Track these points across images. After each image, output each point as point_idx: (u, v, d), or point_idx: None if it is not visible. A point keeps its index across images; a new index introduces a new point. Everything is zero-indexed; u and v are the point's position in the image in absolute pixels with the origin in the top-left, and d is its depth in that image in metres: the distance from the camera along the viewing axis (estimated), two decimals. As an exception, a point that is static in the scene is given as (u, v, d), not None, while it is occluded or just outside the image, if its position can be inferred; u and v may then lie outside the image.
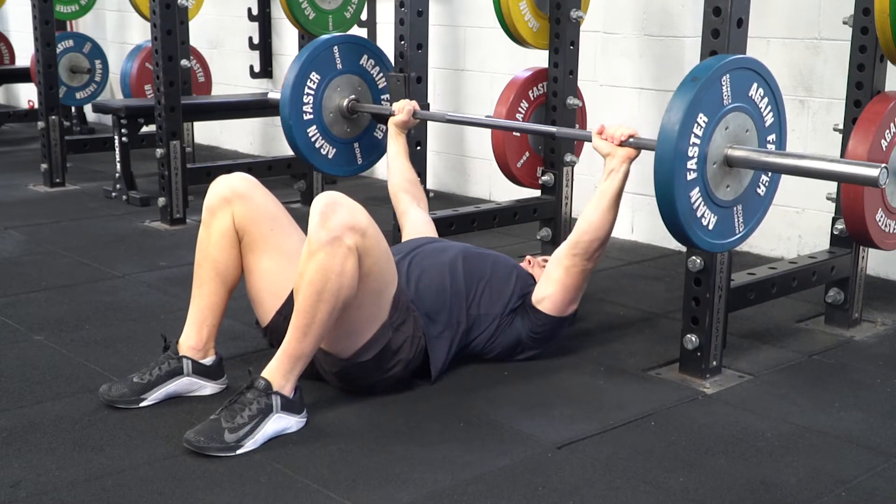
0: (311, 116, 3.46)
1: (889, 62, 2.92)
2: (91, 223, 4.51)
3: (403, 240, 3.06)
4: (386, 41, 5.20)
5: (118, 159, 4.94)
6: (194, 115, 5.33)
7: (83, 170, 5.68)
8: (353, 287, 2.30)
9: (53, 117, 5.22)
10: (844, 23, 3.04)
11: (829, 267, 3.10)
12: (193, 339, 2.52)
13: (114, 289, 3.48)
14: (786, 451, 2.29)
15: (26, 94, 7.99)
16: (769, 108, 2.47)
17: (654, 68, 4.23)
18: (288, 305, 2.50)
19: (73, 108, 6.77)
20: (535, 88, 3.80)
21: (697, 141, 2.31)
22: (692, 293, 2.69)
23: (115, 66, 6.51)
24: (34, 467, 2.14)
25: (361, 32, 5.35)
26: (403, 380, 2.56)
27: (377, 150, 3.67)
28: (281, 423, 2.29)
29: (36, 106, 5.53)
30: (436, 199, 4.25)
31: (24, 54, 7.00)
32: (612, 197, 2.64)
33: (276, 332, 2.57)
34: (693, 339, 2.69)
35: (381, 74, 3.61)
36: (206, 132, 6.66)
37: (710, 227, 2.41)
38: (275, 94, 3.54)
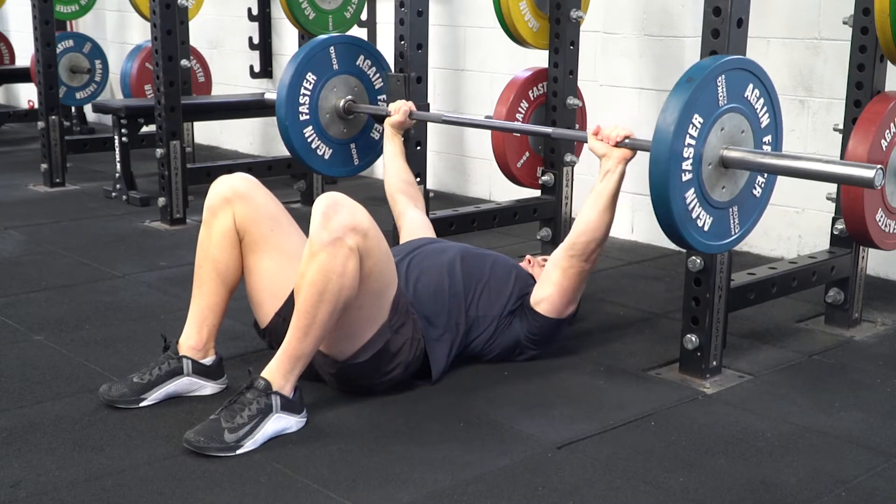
0: (308, 117, 3.45)
1: (889, 62, 2.92)
2: (91, 223, 4.51)
3: (401, 241, 3.06)
4: (386, 41, 5.21)
5: (118, 159, 4.94)
6: (194, 115, 5.33)
7: (83, 170, 5.68)
8: (354, 288, 2.30)
9: (53, 117, 5.22)
10: (844, 23, 3.04)
11: (829, 267, 3.10)
12: (193, 338, 2.52)
13: (114, 289, 3.48)
14: (786, 451, 2.29)
15: (26, 94, 7.99)
16: (765, 109, 2.46)
17: (654, 68, 4.23)
18: (287, 307, 2.50)
19: (73, 108, 6.77)
20: (535, 88, 3.81)
21: (693, 142, 2.30)
22: (692, 293, 2.69)
23: (115, 66, 6.51)
24: (34, 467, 2.14)
25: (361, 32, 5.35)
26: (403, 382, 2.56)
27: (374, 150, 3.67)
28: (281, 423, 2.29)
29: (36, 106, 5.53)
30: (436, 199, 4.26)
31: (24, 54, 7.00)
32: (608, 198, 2.64)
33: (275, 333, 2.57)
34: (693, 339, 2.69)
35: (377, 75, 3.61)
36: (206, 132, 6.66)
37: (706, 228, 2.41)
38: (271, 95, 3.54)
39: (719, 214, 2.44)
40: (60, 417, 2.39)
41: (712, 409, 2.52)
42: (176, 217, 4.47)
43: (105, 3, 7.27)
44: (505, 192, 4.50)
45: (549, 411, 2.49)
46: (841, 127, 3.08)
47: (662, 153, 2.27)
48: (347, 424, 2.38)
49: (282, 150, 4.61)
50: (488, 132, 4.02)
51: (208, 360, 2.53)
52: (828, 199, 3.16)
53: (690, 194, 2.34)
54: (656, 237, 4.28)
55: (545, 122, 3.81)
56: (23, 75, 6.86)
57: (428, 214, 3.35)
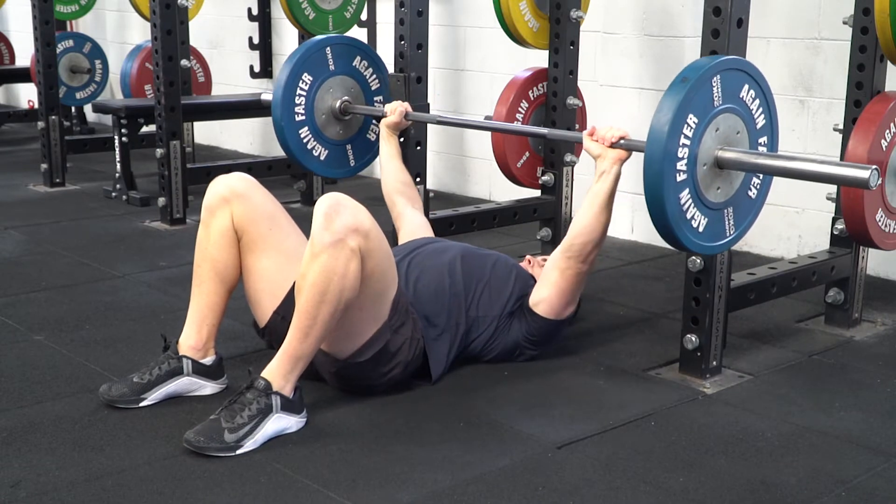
0: (304, 117, 3.45)
1: (889, 62, 2.92)
2: (91, 223, 4.51)
3: (400, 242, 3.06)
4: (386, 41, 5.22)
5: (118, 159, 4.94)
6: (194, 115, 5.33)
7: (83, 170, 5.68)
8: (356, 289, 2.30)
9: (53, 117, 5.22)
10: (844, 23, 3.04)
11: (829, 267, 3.10)
12: (193, 338, 2.52)
13: (114, 289, 3.48)
14: (786, 451, 2.29)
15: (26, 94, 7.99)
16: (761, 110, 2.46)
17: (654, 68, 4.23)
18: (285, 305, 2.50)
19: (73, 108, 6.77)
20: (535, 88, 3.80)
21: (687, 142, 2.29)
22: (692, 293, 2.69)
23: (115, 66, 6.51)
24: (34, 467, 2.14)
25: (361, 32, 5.35)
26: (403, 382, 2.56)
27: (370, 152, 3.67)
28: (281, 423, 2.29)
29: (36, 106, 5.53)
30: (436, 199, 4.26)
31: (24, 54, 7.00)
32: (604, 198, 2.64)
33: (274, 332, 2.57)
34: (693, 339, 2.69)
35: (374, 76, 3.61)
36: (206, 132, 6.66)
37: (701, 229, 2.40)
38: (267, 96, 3.54)
39: (714, 215, 2.43)
40: (60, 417, 2.39)
41: (712, 409, 2.52)
42: (176, 217, 4.47)
43: (105, 3, 7.27)
44: (505, 192, 4.50)
45: (549, 411, 2.49)
46: (841, 127, 3.08)
47: (657, 153, 2.26)
48: (347, 424, 2.38)
49: (281, 151, 4.60)
50: (488, 132, 4.02)
51: (208, 360, 2.53)
52: (828, 199, 3.16)
53: (685, 195, 2.33)
54: (656, 237, 4.23)
55: (545, 123, 3.81)
56: (23, 75, 6.86)
57: (428, 214, 3.35)
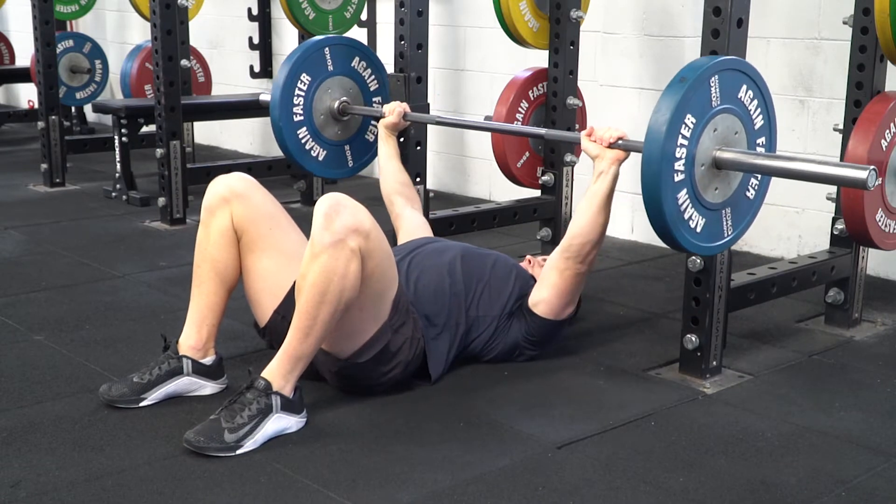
0: (302, 118, 3.44)
1: (889, 62, 2.92)
2: (91, 223, 4.51)
3: (399, 242, 3.05)
4: (386, 41, 5.22)
5: (118, 159, 4.94)
6: (194, 115, 5.33)
7: (83, 170, 5.68)
8: (356, 289, 2.30)
9: (53, 117, 5.22)
10: (844, 23, 3.04)
11: (829, 267, 3.10)
12: (193, 338, 2.52)
13: (114, 289, 3.48)
14: (786, 451, 2.29)
15: (26, 94, 7.99)
16: (759, 110, 2.45)
17: (654, 68, 4.23)
18: (285, 305, 2.50)
19: (73, 108, 6.77)
20: (535, 88, 3.81)
21: (685, 142, 2.29)
22: (692, 293, 2.69)
23: (115, 66, 6.51)
24: (34, 467, 2.14)
25: (361, 32, 5.35)
26: (403, 382, 2.56)
27: (368, 152, 3.66)
28: (281, 423, 2.29)
29: (36, 106, 5.53)
30: (436, 199, 4.26)
31: (24, 54, 7.00)
32: (602, 199, 2.63)
33: (274, 331, 2.57)
34: (693, 339, 2.69)
35: (372, 77, 3.60)
36: (206, 132, 6.66)
37: (698, 229, 2.40)
38: (266, 96, 3.53)
39: (712, 216, 2.43)
40: (60, 417, 2.39)
41: (712, 409, 2.52)
42: (176, 217, 4.47)
43: (105, 3, 7.27)
44: (505, 192, 4.50)
45: (549, 411, 2.49)
46: (841, 127, 3.08)
47: (654, 153, 2.26)
48: (347, 424, 2.38)
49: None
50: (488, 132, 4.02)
51: (208, 360, 2.53)
52: (828, 199, 3.16)
53: (683, 195, 2.33)
54: (656, 237, 4.25)
55: (545, 123, 3.81)
56: (23, 75, 6.87)
57: (428, 214, 3.35)
